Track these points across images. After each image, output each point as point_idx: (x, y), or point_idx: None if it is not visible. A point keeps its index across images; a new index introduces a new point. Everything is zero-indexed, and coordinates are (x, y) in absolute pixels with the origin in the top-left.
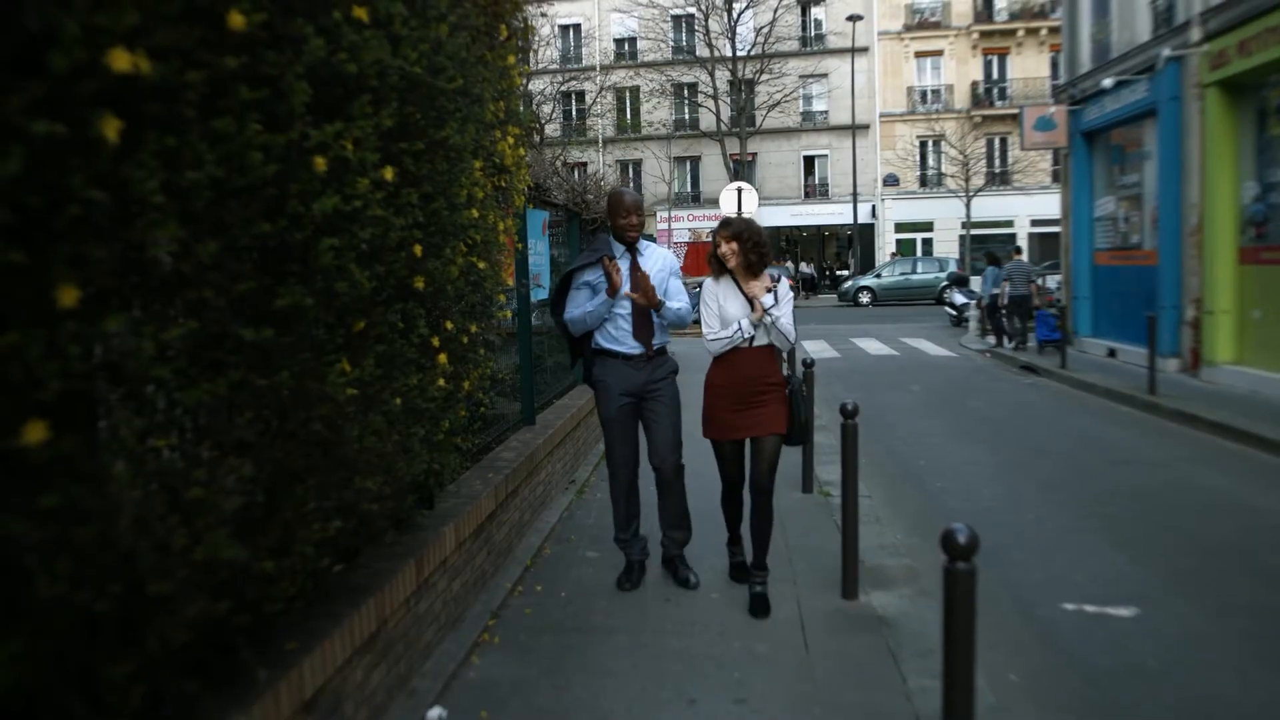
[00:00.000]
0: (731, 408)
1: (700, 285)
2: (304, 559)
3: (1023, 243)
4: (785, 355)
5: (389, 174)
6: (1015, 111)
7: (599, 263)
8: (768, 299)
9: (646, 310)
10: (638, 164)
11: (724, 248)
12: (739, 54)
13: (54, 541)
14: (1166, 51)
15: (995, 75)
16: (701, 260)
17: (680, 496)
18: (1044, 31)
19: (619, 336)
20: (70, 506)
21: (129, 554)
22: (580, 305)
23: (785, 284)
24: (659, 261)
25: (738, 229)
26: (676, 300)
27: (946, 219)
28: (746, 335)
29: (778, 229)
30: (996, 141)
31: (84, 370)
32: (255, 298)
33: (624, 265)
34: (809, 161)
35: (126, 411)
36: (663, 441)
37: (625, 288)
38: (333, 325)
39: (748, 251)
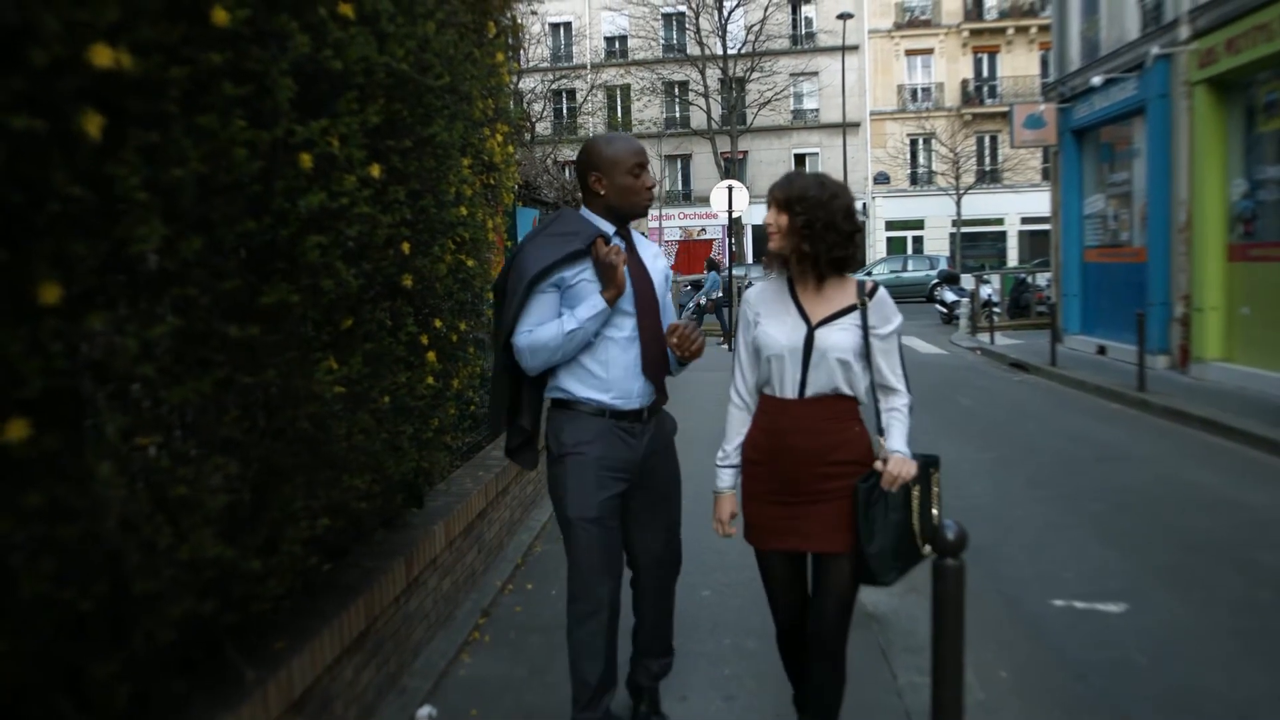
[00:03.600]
0: (775, 496)
1: (691, 284)
2: (292, 558)
3: (1013, 240)
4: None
5: (376, 171)
6: (1005, 109)
7: (585, 253)
8: None
9: (658, 329)
10: None
11: (769, 217)
12: (730, 52)
13: (39, 540)
14: (1155, 49)
15: (985, 73)
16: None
17: (667, 610)
18: (1034, 29)
19: (609, 377)
20: (55, 505)
21: (114, 552)
22: (544, 322)
23: (884, 298)
24: (661, 261)
25: (792, 193)
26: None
27: (937, 217)
28: (727, 463)
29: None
30: (986, 139)
31: (68, 368)
32: (241, 295)
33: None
34: (800, 159)
35: (112, 410)
36: (658, 538)
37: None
38: (320, 323)
39: (799, 233)
